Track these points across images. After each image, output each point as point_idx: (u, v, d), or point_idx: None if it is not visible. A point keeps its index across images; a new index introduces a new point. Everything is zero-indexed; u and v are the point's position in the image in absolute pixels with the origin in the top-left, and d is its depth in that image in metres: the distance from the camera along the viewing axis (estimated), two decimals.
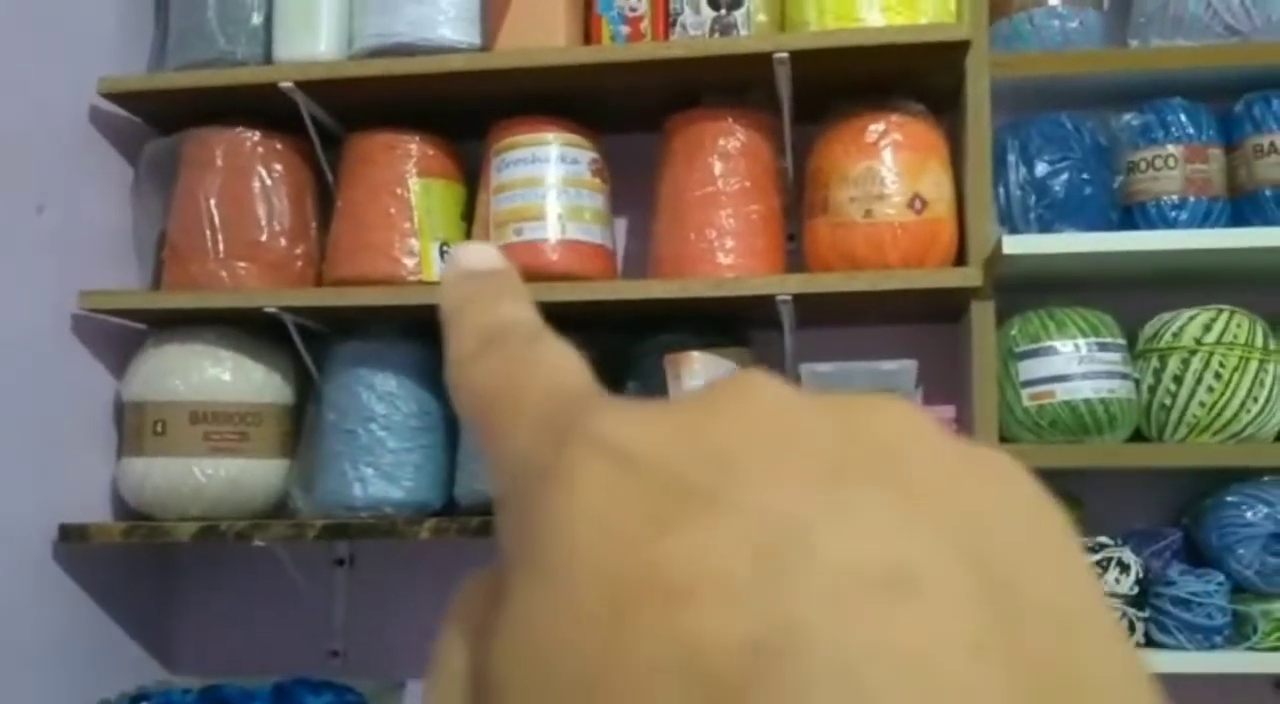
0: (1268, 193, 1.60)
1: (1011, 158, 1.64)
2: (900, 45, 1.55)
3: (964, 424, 1.59)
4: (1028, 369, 1.57)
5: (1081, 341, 1.56)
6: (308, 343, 1.72)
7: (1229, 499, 1.55)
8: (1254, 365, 1.53)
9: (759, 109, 1.65)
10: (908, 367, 1.58)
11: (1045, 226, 1.61)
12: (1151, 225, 1.62)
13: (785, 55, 1.53)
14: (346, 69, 1.68)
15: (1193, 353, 1.54)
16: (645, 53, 1.62)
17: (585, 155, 1.67)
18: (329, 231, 1.73)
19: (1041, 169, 1.62)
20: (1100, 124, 1.66)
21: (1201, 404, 1.53)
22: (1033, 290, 1.62)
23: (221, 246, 1.69)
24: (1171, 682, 0.23)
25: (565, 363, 0.21)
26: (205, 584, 1.95)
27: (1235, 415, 1.52)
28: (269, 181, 1.72)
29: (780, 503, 0.16)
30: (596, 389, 0.20)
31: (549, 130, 1.65)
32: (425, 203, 1.68)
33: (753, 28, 1.63)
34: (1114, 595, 1.50)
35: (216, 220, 1.70)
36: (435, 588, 1.89)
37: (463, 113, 1.70)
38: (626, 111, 1.73)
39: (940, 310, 1.70)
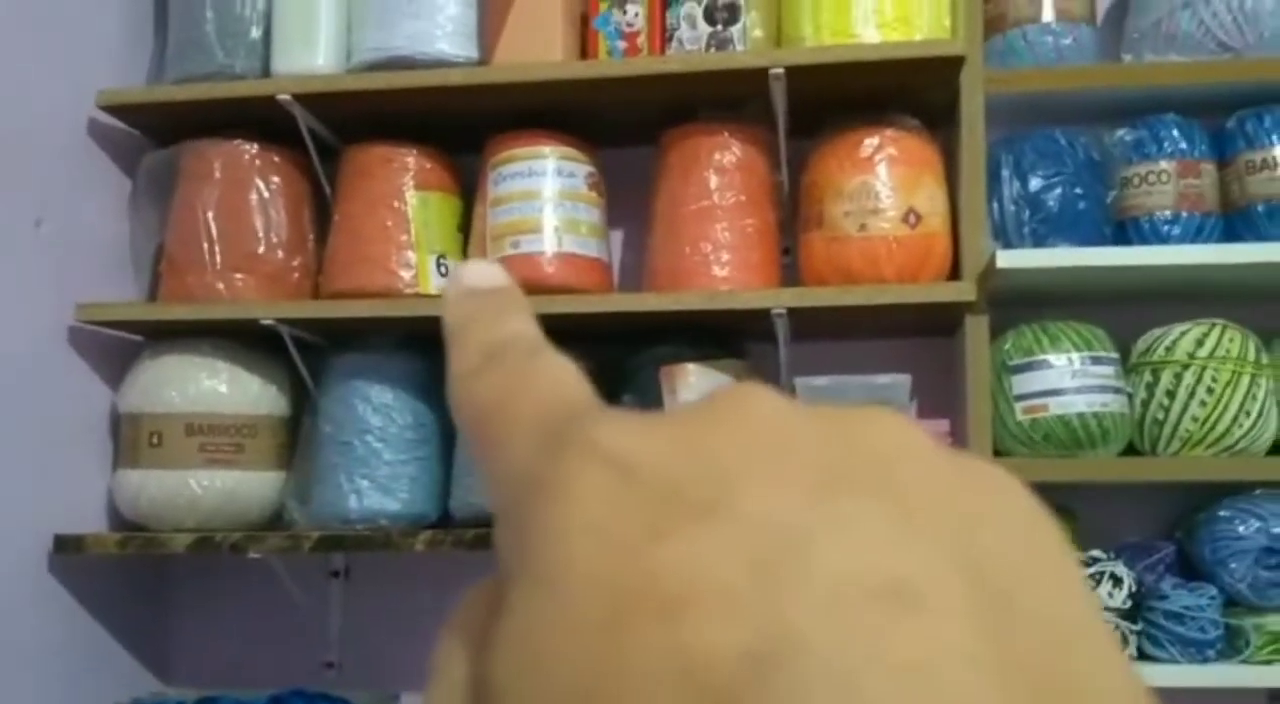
0: (1260, 208, 1.61)
1: (1005, 173, 1.65)
2: (895, 61, 1.56)
3: (958, 438, 1.60)
4: (1021, 383, 1.57)
5: (1075, 356, 1.57)
6: (304, 355, 1.73)
7: (1221, 513, 1.56)
8: (1246, 380, 1.54)
9: (755, 123, 1.66)
10: (902, 380, 1.59)
11: (1039, 241, 1.62)
12: (1144, 240, 1.63)
13: (781, 70, 1.54)
14: (344, 82, 1.69)
15: (1185, 367, 1.55)
16: (642, 67, 1.63)
17: (582, 169, 1.68)
18: (326, 244, 1.74)
19: (1035, 184, 1.63)
20: (1094, 139, 1.67)
21: (1194, 418, 1.54)
22: (1026, 304, 1.63)
23: (219, 258, 1.70)
24: (1164, 695, 0.23)
25: (564, 376, 0.21)
26: (200, 596, 1.95)
27: (1228, 429, 1.53)
28: (266, 194, 1.73)
29: (777, 513, 0.16)
30: (595, 401, 0.20)
31: (546, 144, 1.66)
32: (422, 216, 1.69)
33: (749, 43, 1.64)
34: (1107, 609, 1.51)
35: (214, 232, 1.70)
36: (430, 600, 1.89)
37: (460, 126, 1.71)
38: (623, 126, 1.74)
39: (934, 324, 1.70)
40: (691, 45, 1.64)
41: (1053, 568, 0.17)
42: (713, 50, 1.64)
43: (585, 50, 1.70)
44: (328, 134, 1.76)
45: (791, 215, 1.70)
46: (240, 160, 1.73)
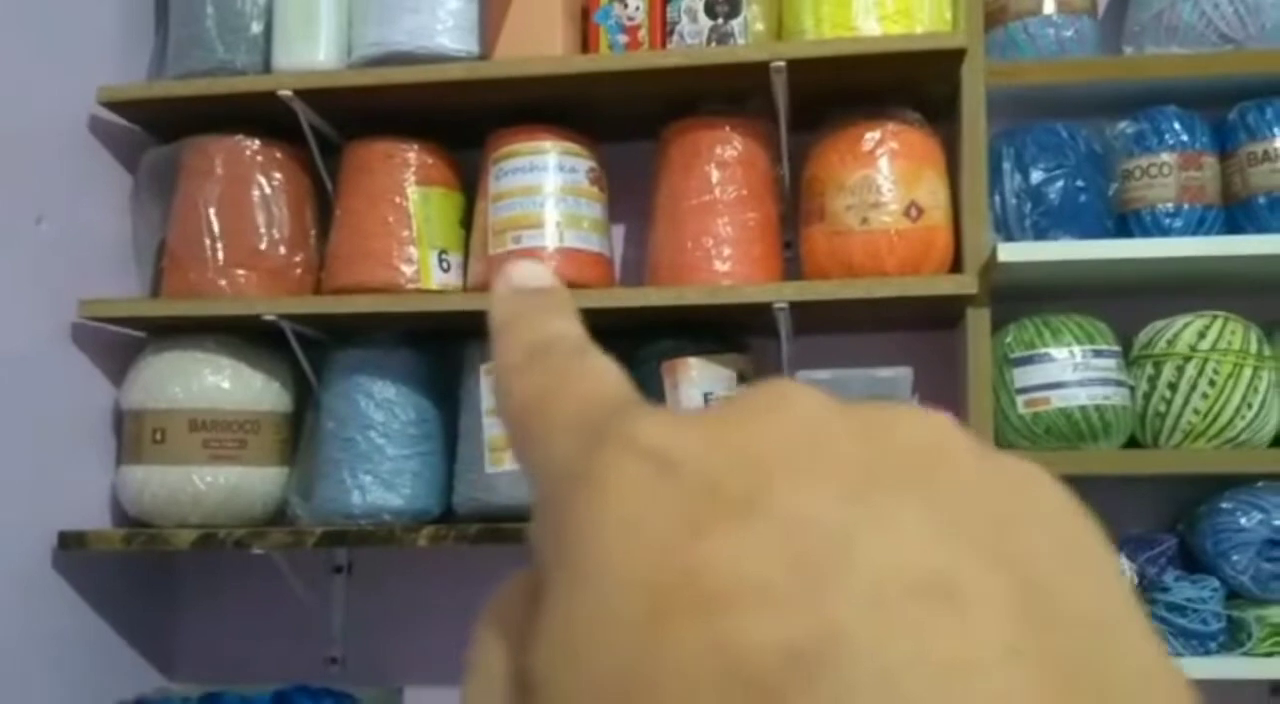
0: (1262, 200, 1.61)
1: (1007, 166, 1.65)
2: (896, 54, 1.56)
3: None
4: (1023, 376, 1.57)
5: (1076, 348, 1.57)
6: (307, 350, 1.73)
7: (1223, 505, 1.56)
8: (1248, 372, 1.54)
9: (756, 117, 1.66)
10: (904, 374, 1.59)
11: (1040, 234, 1.62)
12: (1146, 233, 1.63)
13: (782, 64, 1.54)
14: (345, 78, 1.69)
15: (1187, 360, 1.55)
16: (643, 62, 1.63)
17: (583, 164, 1.68)
18: (328, 240, 1.74)
19: (1037, 177, 1.63)
20: (1095, 132, 1.67)
21: (1196, 411, 1.54)
22: (1028, 298, 1.63)
23: (221, 254, 1.70)
24: None
25: (606, 375, 0.21)
26: (204, 592, 1.95)
27: (1230, 421, 1.53)
28: (268, 190, 1.73)
29: (816, 510, 0.16)
30: (636, 399, 0.20)
31: (547, 139, 1.66)
32: (424, 211, 1.69)
33: (750, 37, 1.64)
34: None
35: (216, 228, 1.70)
36: (433, 595, 1.90)
37: (461, 121, 1.71)
38: (624, 120, 1.74)
39: (936, 317, 1.70)
40: (692, 39, 1.64)
41: (1091, 564, 0.17)
42: (714, 44, 1.64)
43: (586, 44, 1.70)
44: (329, 130, 1.76)
45: (793, 209, 1.70)
46: (242, 156, 1.73)
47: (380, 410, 1.68)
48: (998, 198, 1.65)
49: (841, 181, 1.60)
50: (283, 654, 1.90)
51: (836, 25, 1.60)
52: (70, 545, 1.64)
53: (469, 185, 1.75)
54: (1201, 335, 1.56)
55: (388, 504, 1.65)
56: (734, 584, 0.15)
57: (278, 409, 1.76)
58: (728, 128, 1.65)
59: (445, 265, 1.68)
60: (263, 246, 1.71)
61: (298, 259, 1.73)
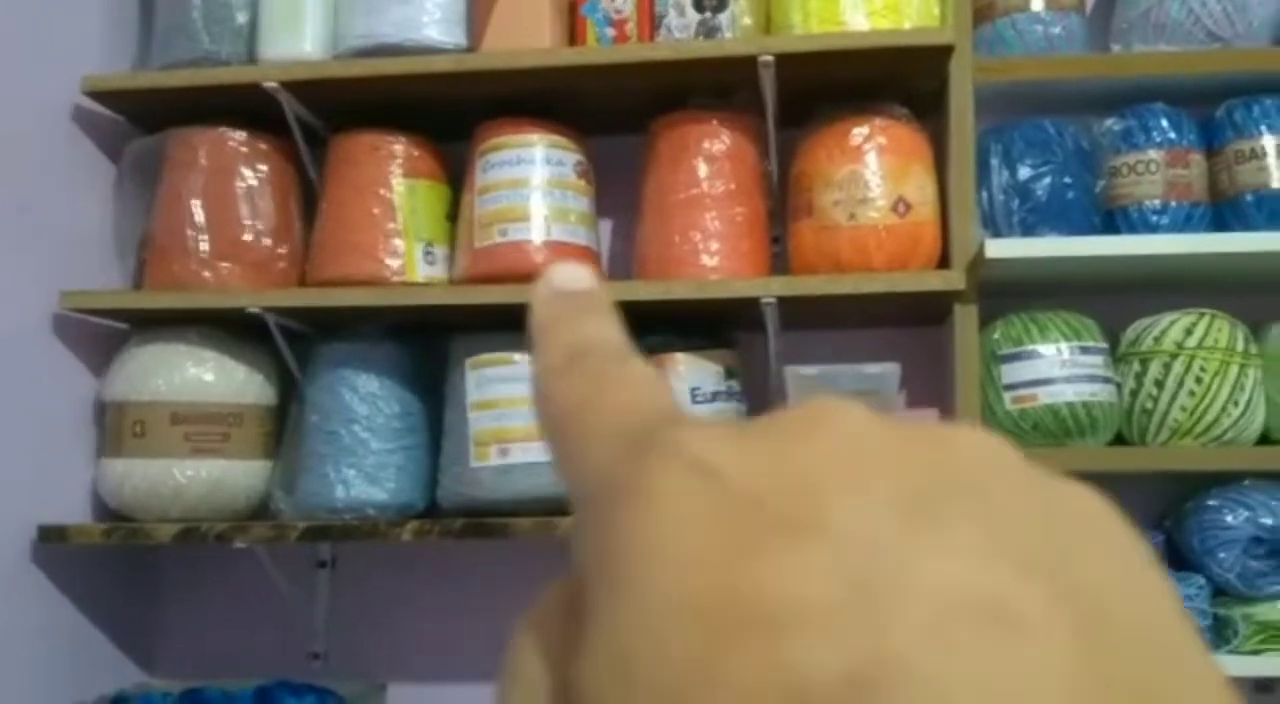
0: (1249, 198, 1.61)
1: (994, 162, 1.65)
2: (884, 49, 1.55)
3: None
4: (1010, 372, 1.57)
5: (1064, 345, 1.57)
6: (291, 343, 1.72)
7: (1210, 503, 1.56)
8: (1234, 369, 1.54)
9: (744, 112, 1.65)
10: (891, 370, 1.59)
11: (1028, 230, 1.62)
12: (1133, 230, 1.63)
13: (770, 58, 1.54)
14: (331, 69, 1.68)
15: (1174, 357, 1.55)
16: (630, 55, 1.62)
17: (570, 157, 1.67)
18: (313, 232, 1.73)
19: (1024, 173, 1.63)
20: (1082, 128, 1.67)
21: (1183, 408, 1.54)
22: (1015, 294, 1.63)
23: (205, 246, 1.68)
24: None
25: (647, 382, 0.21)
26: (186, 586, 1.94)
27: (1216, 419, 1.53)
28: (253, 181, 1.72)
29: (871, 529, 0.16)
30: (676, 407, 0.20)
31: (534, 132, 1.65)
32: (409, 204, 1.68)
33: (738, 30, 1.63)
34: None
35: (200, 220, 1.69)
36: (417, 590, 1.89)
37: (448, 114, 1.70)
38: (611, 113, 1.73)
39: (924, 314, 1.70)
40: (680, 33, 1.64)
41: (1147, 587, 0.17)
42: (701, 38, 1.63)
43: (574, 37, 1.69)
44: (315, 121, 1.75)
45: (781, 204, 1.70)
46: (226, 148, 1.72)
47: (364, 404, 1.67)
48: (985, 194, 1.65)
49: (829, 177, 1.59)
50: (265, 649, 1.89)
51: (824, 20, 1.59)
52: (50, 539, 1.63)
53: (455, 178, 1.74)
54: (1188, 332, 1.56)
55: (372, 498, 1.64)
56: (790, 607, 0.15)
57: (261, 402, 1.74)
58: (716, 122, 1.64)
59: (431, 258, 1.67)
60: (247, 238, 1.70)
61: (282, 251, 1.72)
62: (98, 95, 1.75)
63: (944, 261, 1.60)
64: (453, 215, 1.72)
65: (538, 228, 1.61)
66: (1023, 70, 1.66)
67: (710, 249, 1.61)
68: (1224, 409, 1.53)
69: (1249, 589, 1.53)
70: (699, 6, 1.63)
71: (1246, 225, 1.60)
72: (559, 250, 1.62)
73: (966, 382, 1.55)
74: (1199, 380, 1.53)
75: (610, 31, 1.67)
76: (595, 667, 0.16)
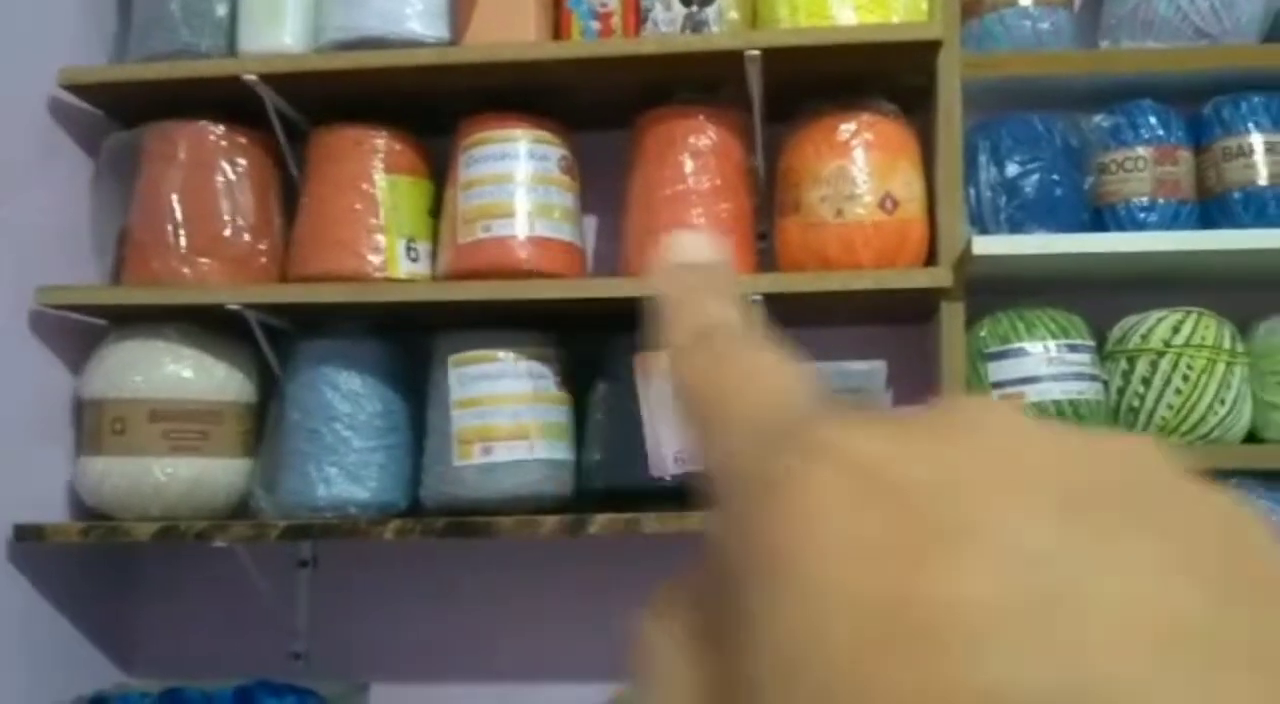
0: (1236, 195, 1.60)
1: (982, 158, 1.64)
2: (872, 44, 1.54)
3: None
4: (997, 370, 1.56)
5: (1051, 343, 1.56)
6: (271, 340, 1.70)
7: None
8: (1221, 367, 1.53)
9: (731, 107, 1.64)
10: (878, 367, 1.58)
11: (1015, 227, 1.61)
12: (1121, 227, 1.62)
13: (757, 53, 1.52)
14: (312, 62, 1.66)
15: (1161, 355, 1.55)
16: (615, 49, 1.61)
17: (555, 152, 1.65)
18: (293, 227, 1.71)
19: (1012, 170, 1.62)
20: (1071, 125, 1.66)
21: (1169, 406, 1.53)
22: (1003, 292, 1.62)
23: (183, 242, 1.66)
24: None
25: (779, 370, 0.21)
26: (165, 586, 1.91)
27: (1203, 417, 1.52)
28: (232, 176, 1.69)
29: (1041, 541, 0.15)
30: (817, 398, 0.20)
31: (518, 126, 1.63)
32: (392, 199, 1.66)
33: (724, 24, 1.62)
34: None
35: (179, 215, 1.67)
36: (399, 589, 1.87)
37: (431, 108, 1.68)
38: (597, 108, 1.71)
39: (911, 311, 1.69)
40: (666, 27, 1.62)
41: None
42: (688, 32, 1.61)
43: (558, 31, 1.67)
44: (295, 115, 1.72)
45: (767, 201, 1.68)
46: (205, 141, 1.70)
47: (346, 402, 1.65)
48: (973, 190, 1.64)
49: (816, 173, 1.58)
50: (246, 649, 1.87)
51: (811, 14, 1.58)
52: (27, 538, 1.60)
53: (438, 173, 1.72)
54: (1175, 330, 1.55)
55: (353, 497, 1.62)
56: (965, 620, 0.15)
57: (241, 400, 1.72)
58: (702, 117, 1.63)
59: (413, 254, 1.65)
60: (227, 234, 1.67)
61: (262, 247, 1.70)
62: (75, 88, 1.72)
63: (931, 258, 1.59)
64: (435, 211, 1.70)
65: (521, 224, 1.60)
66: (1011, 66, 1.65)
67: None
68: (1210, 407, 1.52)
69: None
70: (685, 1, 1.61)
71: (1234, 223, 1.60)
72: (543, 246, 1.60)
73: (953, 380, 1.54)
74: (1186, 378, 1.53)
75: (595, 25, 1.65)
76: (757, 663, 0.16)
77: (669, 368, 0.22)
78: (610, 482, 1.61)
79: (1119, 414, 1.57)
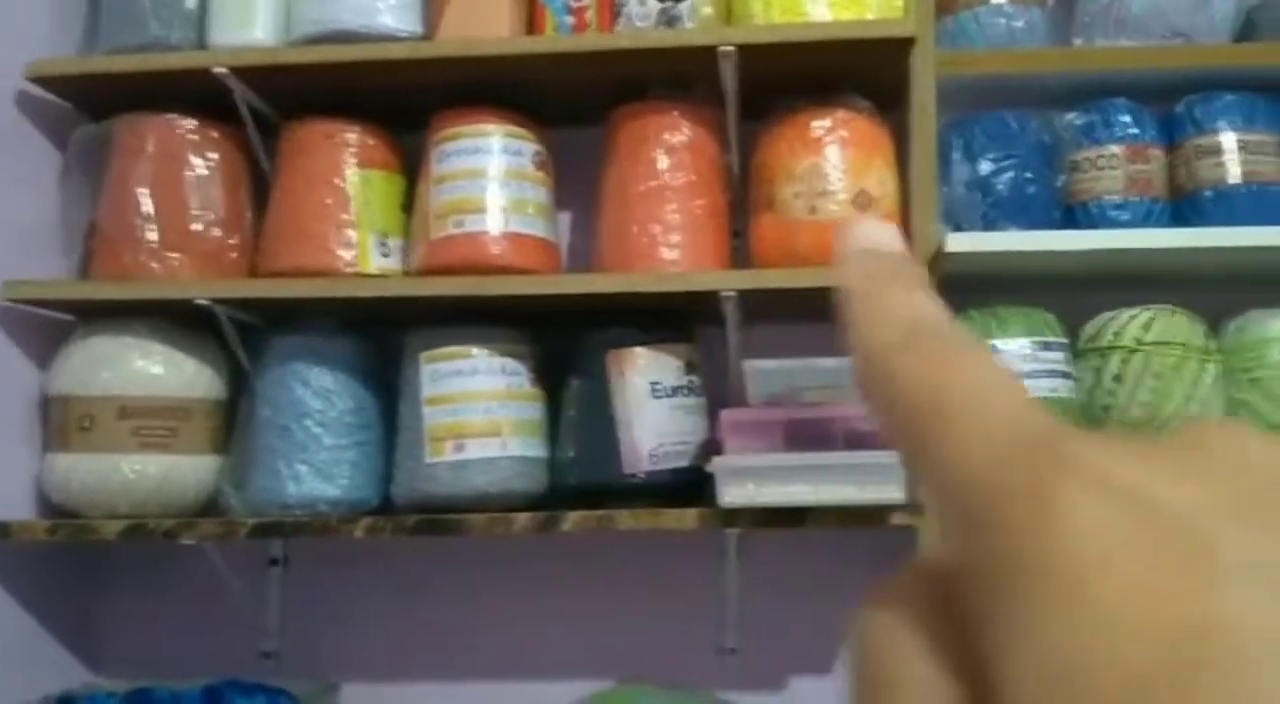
0: (1208, 193, 1.61)
1: (956, 156, 1.64)
2: (846, 40, 1.54)
3: None
4: None
5: (1025, 341, 1.56)
6: (241, 336, 1.68)
7: None
8: (1193, 365, 1.54)
9: (705, 103, 1.63)
10: (849, 364, 1.57)
11: (989, 225, 1.61)
12: (1093, 224, 1.63)
13: (731, 48, 1.52)
14: (283, 55, 1.64)
15: (1133, 352, 1.55)
16: (589, 44, 1.60)
17: (528, 147, 1.64)
18: (264, 222, 1.69)
19: (985, 167, 1.62)
20: (1044, 123, 1.66)
21: (1141, 404, 1.53)
22: (976, 289, 1.62)
23: (153, 236, 1.64)
24: None
25: (1002, 373, 0.20)
26: (134, 584, 1.89)
27: (1174, 415, 1.53)
28: (203, 170, 1.68)
29: None
30: (1047, 409, 0.19)
31: (491, 121, 1.62)
32: (363, 194, 1.64)
33: (698, 20, 1.61)
34: None
35: (148, 209, 1.65)
36: (371, 588, 1.86)
37: (403, 102, 1.66)
38: (570, 104, 1.71)
39: None
40: (640, 22, 1.62)
41: None
42: (662, 27, 1.61)
43: (532, 26, 1.67)
44: (266, 109, 1.71)
45: (742, 197, 1.68)
46: (175, 135, 1.68)
47: (317, 398, 1.64)
48: (946, 188, 1.64)
49: (790, 170, 1.58)
50: (215, 648, 1.85)
51: (786, 10, 1.58)
52: None
53: (410, 168, 1.71)
54: (1147, 328, 1.55)
55: (324, 494, 1.60)
56: (1271, 645, 0.15)
57: (210, 396, 1.71)
58: (676, 113, 1.62)
59: (385, 249, 1.64)
60: (196, 228, 1.66)
61: (232, 242, 1.68)
62: (43, 81, 1.70)
63: None
64: (408, 206, 1.69)
65: (495, 219, 1.58)
66: (985, 63, 1.65)
67: (670, 241, 1.59)
68: (1182, 405, 1.53)
69: None
70: None
71: (1205, 221, 1.60)
72: (516, 242, 1.59)
73: None
74: (1157, 376, 1.53)
75: (569, 20, 1.64)
76: (1029, 677, 0.16)
77: (862, 362, 0.21)
78: (583, 479, 1.60)
79: (1092, 412, 1.57)
